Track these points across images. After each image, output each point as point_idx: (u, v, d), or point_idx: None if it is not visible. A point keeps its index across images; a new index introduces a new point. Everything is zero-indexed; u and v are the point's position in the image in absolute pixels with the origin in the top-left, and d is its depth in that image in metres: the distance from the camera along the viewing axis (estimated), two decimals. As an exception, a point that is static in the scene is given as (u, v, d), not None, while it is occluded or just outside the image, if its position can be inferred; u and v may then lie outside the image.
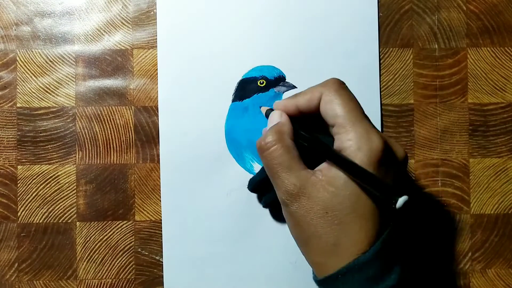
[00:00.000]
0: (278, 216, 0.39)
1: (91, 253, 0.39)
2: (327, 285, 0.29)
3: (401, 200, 0.27)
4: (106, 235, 0.39)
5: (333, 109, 0.30)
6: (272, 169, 0.30)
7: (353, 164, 0.28)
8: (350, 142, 0.28)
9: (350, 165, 0.28)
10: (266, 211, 0.39)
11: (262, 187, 0.36)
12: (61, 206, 0.39)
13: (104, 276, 0.39)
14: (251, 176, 0.39)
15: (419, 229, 0.39)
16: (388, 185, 0.28)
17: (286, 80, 0.39)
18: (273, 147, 0.30)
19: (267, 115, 0.34)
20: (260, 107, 0.36)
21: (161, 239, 0.39)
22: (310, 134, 0.31)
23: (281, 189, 0.30)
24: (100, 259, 0.39)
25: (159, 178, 0.39)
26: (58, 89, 0.39)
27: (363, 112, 0.30)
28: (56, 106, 0.39)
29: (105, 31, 0.40)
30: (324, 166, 0.29)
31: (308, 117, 0.32)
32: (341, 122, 0.29)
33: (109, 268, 0.39)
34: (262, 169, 0.36)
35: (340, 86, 0.31)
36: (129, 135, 0.39)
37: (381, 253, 0.28)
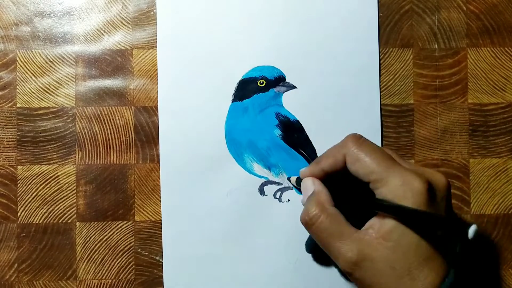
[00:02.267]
0: (321, 259, 0.39)
1: (91, 254, 0.39)
2: None
3: (472, 229, 0.27)
4: (106, 235, 0.39)
5: (363, 167, 0.30)
6: (324, 241, 0.30)
7: (411, 210, 0.27)
8: (392, 194, 0.28)
9: (406, 212, 0.28)
10: (266, 211, 0.39)
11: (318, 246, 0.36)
12: (61, 206, 0.39)
13: (104, 277, 0.39)
14: (252, 176, 0.39)
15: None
16: (450, 219, 0.28)
17: (286, 80, 0.39)
18: (319, 219, 0.30)
19: (297, 183, 0.34)
20: (288, 178, 0.37)
21: (161, 239, 0.39)
22: (351, 195, 0.31)
23: (339, 260, 0.29)
24: (100, 260, 0.39)
25: (159, 178, 0.39)
26: (58, 89, 0.39)
27: (392, 158, 0.30)
28: (56, 106, 0.39)
29: (105, 31, 0.40)
30: (373, 222, 0.29)
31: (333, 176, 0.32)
32: (376, 177, 0.29)
33: (109, 269, 0.39)
34: None
35: (360, 141, 0.31)
36: (129, 135, 0.39)
37: (455, 285, 0.28)
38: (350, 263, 0.29)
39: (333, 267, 0.39)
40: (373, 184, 0.29)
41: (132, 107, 0.39)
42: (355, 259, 0.29)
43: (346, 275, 0.33)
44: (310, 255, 0.39)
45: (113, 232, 0.39)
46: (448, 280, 0.28)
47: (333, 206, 0.31)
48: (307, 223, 0.31)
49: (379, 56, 0.40)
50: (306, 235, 0.39)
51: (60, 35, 0.40)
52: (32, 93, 0.39)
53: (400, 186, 0.28)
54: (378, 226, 0.29)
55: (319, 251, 0.38)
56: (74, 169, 0.39)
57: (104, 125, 0.39)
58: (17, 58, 0.39)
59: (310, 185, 0.32)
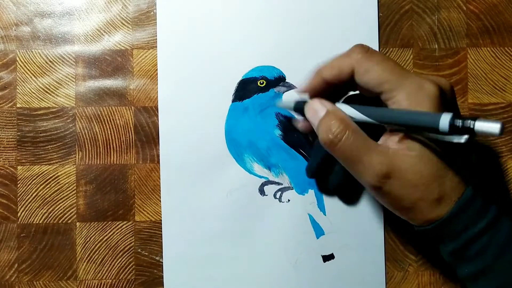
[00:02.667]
0: (347, 198, 0.39)
1: (91, 254, 0.39)
2: (439, 229, 0.29)
3: (497, 126, 0.25)
4: (106, 235, 0.39)
5: (375, 77, 0.29)
6: (352, 159, 0.29)
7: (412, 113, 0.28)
8: (408, 100, 0.28)
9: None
10: (266, 211, 0.39)
11: (321, 171, 0.35)
12: (61, 206, 0.39)
13: (104, 277, 0.39)
14: (252, 176, 0.39)
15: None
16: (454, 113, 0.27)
17: (286, 80, 0.39)
18: (344, 136, 0.29)
19: (297, 108, 0.32)
20: (278, 104, 0.36)
21: (161, 239, 0.39)
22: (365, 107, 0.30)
23: (368, 175, 0.29)
24: (100, 260, 0.39)
25: (159, 179, 0.39)
26: (58, 89, 0.39)
27: (401, 66, 0.30)
28: (56, 106, 0.39)
29: (105, 31, 0.40)
30: (390, 137, 0.29)
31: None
32: (390, 86, 0.29)
33: (109, 269, 0.39)
34: (315, 154, 0.36)
35: (370, 52, 0.30)
36: (129, 136, 0.39)
37: (478, 187, 0.29)
38: (380, 176, 0.28)
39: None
40: (387, 93, 0.29)
41: (132, 107, 0.39)
42: (385, 171, 0.28)
43: (342, 191, 0.33)
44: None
45: (113, 232, 0.39)
46: (472, 182, 0.29)
47: (353, 121, 0.30)
48: (332, 141, 0.29)
49: (379, 56, 0.40)
50: (306, 235, 0.39)
51: (60, 35, 0.40)
52: (32, 93, 0.39)
53: (415, 92, 0.28)
54: (397, 139, 0.29)
55: (321, 177, 0.38)
56: (74, 169, 0.39)
57: (104, 125, 0.39)
58: (17, 58, 0.39)
59: (320, 106, 0.31)
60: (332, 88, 0.32)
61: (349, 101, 0.32)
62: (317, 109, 0.31)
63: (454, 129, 0.26)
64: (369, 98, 0.31)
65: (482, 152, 0.40)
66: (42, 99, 0.39)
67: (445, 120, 0.26)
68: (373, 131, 0.30)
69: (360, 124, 0.30)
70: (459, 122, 0.26)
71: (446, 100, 0.29)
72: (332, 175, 0.37)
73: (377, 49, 0.40)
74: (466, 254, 0.29)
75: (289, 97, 0.35)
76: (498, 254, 0.29)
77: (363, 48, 0.30)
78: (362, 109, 0.30)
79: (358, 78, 0.30)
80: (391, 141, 0.29)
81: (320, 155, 0.35)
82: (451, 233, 0.29)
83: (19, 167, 0.39)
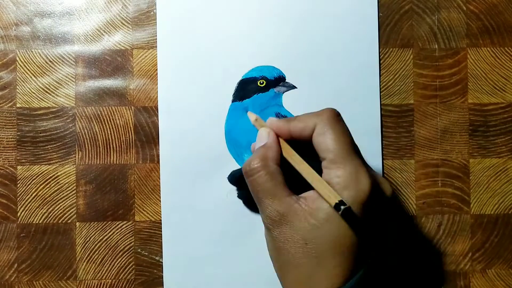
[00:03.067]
0: (252, 207, 0.39)
1: (91, 254, 0.39)
2: None
3: (333, 204, 0.27)
4: (106, 235, 0.39)
5: (326, 142, 0.29)
6: (257, 194, 0.30)
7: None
8: (338, 179, 0.28)
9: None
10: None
11: (242, 182, 0.36)
12: (61, 206, 0.39)
13: (104, 277, 0.39)
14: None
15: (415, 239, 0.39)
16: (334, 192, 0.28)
17: (286, 80, 0.39)
18: (257, 173, 0.30)
19: (256, 124, 0.33)
20: (247, 112, 0.35)
21: (161, 239, 0.39)
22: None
23: (264, 214, 0.30)
24: (100, 260, 0.39)
25: (159, 178, 0.39)
26: (58, 89, 0.39)
27: (356, 147, 0.30)
28: (56, 106, 0.39)
29: (105, 31, 0.40)
30: (309, 194, 0.29)
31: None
32: (332, 157, 0.29)
33: (109, 269, 0.39)
34: None
35: (335, 118, 0.30)
36: (129, 135, 0.39)
37: (363, 284, 0.28)
38: (271, 220, 0.29)
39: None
40: (326, 163, 0.29)
41: (132, 107, 0.39)
42: (277, 219, 0.29)
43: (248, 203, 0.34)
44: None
45: (113, 232, 0.39)
46: (354, 279, 0.28)
47: (277, 164, 0.30)
48: (247, 173, 0.30)
49: (379, 56, 0.40)
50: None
51: (60, 35, 0.40)
52: (32, 93, 0.39)
53: (347, 177, 0.28)
54: (311, 201, 0.29)
55: (250, 202, 0.39)
56: (74, 169, 0.39)
57: (104, 125, 0.39)
58: (17, 58, 0.39)
59: (265, 136, 0.32)
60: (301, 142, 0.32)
61: None
62: (261, 137, 0.32)
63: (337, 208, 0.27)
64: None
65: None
66: (42, 99, 0.39)
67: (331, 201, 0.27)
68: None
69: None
70: (341, 209, 0.27)
71: (375, 202, 0.29)
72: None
73: (377, 49, 0.40)
74: None
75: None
76: None
77: (332, 113, 0.30)
78: (297, 159, 0.31)
79: (313, 137, 0.30)
80: (306, 200, 0.29)
81: None
82: None
83: (19, 167, 0.39)
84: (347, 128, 0.30)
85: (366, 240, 0.28)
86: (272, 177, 0.30)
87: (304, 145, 0.31)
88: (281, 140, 0.32)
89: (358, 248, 0.28)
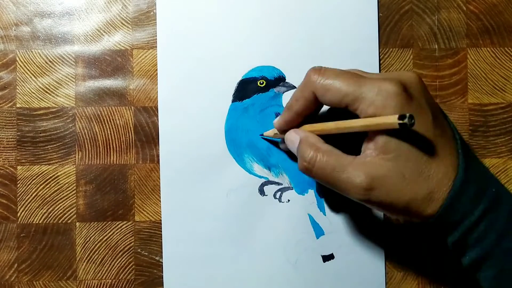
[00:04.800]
0: (333, 205, 0.39)
1: (91, 254, 0.39)
2: (439, 223, 0.29)
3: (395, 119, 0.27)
4: (106, 235, 0.39)
5: (334, 94, 0.29)
6: (329, 179, 0.30)
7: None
8: (372, 107, 0.28)
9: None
10: (266, 211, 0.39)
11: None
12: (60, 206, 0.39)
13: (104, 277, 0.39)
14: (252, 176, 0.39)
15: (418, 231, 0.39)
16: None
17: (286, 80, 0.39)
18: (316, 160, 0.30)
19: (277, 136, 0.34)
20: (261, 135, 0.38)
21: (161, 239, 0.39)
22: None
23: (351, 190, 0.29)
24: (100, 260, 0.39)
25: (159, 179, 0.39)
26: (57, 89, 0.39)
27: (358, 74, 0.30)
28: (56, 106, 0.39)
29: (105, 32, 0.40)
30: (366, 145, 0.29)
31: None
32: (351, 97, 0.29)
33: (109, 269, 0.39)
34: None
35: (321, 71, 0.30)
36: (129, 136, 0.39)
37: (468, 168, 0.29)
38: (362, 189, 0.29)
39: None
40: (351, 106, 0.29)
41: (132, 107, 0.39)
42: (365, 183, 0.28)
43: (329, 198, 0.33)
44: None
45: (113, 232, 0.39)
46: (460, 166, 0.28)
47: (324, 143, 0.31)
48: (307, 168, 0.30)
49: (379, 56, 0.40)
50: (305, 235, 0.39)
51: (60, 35, 0.40)
52: (32, 93, 0.39)
53: (376, 96, 0.28)
54: (373, 145, 0.29)
55: (330, 195, 0.39)
56: (74, 169, 0.39)
57: (104, 125, 0.39)
58: (17, 58, 0.39)
59: (294, 135, 0.32)
60: (309, 117, 0.33)
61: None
62: (293, 140, 0.32)
63: (404, 127, 0.26)
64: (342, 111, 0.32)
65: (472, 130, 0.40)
66: (42, 99, 0.39)
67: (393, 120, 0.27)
68: (354, 139, 0.31)
69: (340, 137, 0.31)
70: (406, 119, 0.26)
71: (411, 94, 0.29)
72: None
73: (377, 49, 0.40)
74: (467, 242, 0.29)
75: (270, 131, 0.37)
76: (496, 240, 0.29)
77: (316, 70, 0.31)
78: (326, 125, 0.31)
79: (320, 99, 0.30)
80: (369, 148, 0.29)
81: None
82: (450, 224, 0.29)
83: (19, 167, 0.39)
84: (337, 69, 0.30)
85: (439, 127, 0.28)
86: (330, 153, 0.30)
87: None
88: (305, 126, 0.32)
89: (441, 139, 0.29)
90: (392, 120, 0.27)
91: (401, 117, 0.26)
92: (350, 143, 0.31)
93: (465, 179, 0.28)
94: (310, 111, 0.32)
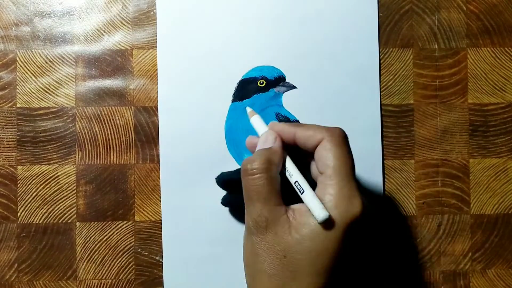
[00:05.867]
0: (238, 215, 0.39)
1: (91, 254, 0.39)
2: None
3: (320, 218, 0.27)
4: (106, 235, 0.39)
5: (328, 158, 0.29)
6: (250, 195, 0.30)
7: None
8: (331, 197, 0.28)
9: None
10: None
11: (234, 186, 0.36)
12: (61, 206, 0.39)
13: (104, 277, 0.39)
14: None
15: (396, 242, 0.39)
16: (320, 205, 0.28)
17: (286, 80, 0.39)
18: (258, 175, 0.29)
19: (256, 127, 0.33)
20: (246, 108, 0.35)
21: (161, 239, 0.39)
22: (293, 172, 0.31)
23: (251, 217, 0.29)
24: (100, 260, 0.39)
25: (159, 178, 0.39)
26: (58, 89, 0.39)
27: (354, 173, 0.30)
28: (56, 106, 0.39)
29: (105, 31, 0.40)
30: (298, 207, 0.29)
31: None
32: (330, 174, 0.29)
33: (109, 269, 0.39)
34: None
35: (343, 139, 0.30)
36: (129, 136, 0.39)
37: None
38: (257, 225, 0.29)
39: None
40: (323, 177, 0.29)
41: (132, 107, 0.39)
42: (264, 226, 0.29)
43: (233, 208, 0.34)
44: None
45: (113, 232, 0.39)
46: None
47: (278, 171, 0.30)
48: (246, 171, 0.30)
49: (379, 56, 0.40)
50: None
51: (60, 35, 0.40)
52: (32, 93, 0.39)
53: (341, 197, 0.28)
54: (299, 214, 0.29)
55: (235, 206, 0.38)
56: (74, 169, 0.39)
57: (104, 125, 0.39)
58: (17, 58, 0.39)
59: (272, 140, 0.32)
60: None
61: None
62: (266, 140, 0.32)
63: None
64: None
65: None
66: (42, 99, 0.39)
67: (321, 214, 0.28)
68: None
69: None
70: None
71: (362, 225, 0.29)
72: (235, 195, 0.38)
73: (377, 49, 0.40)
74: None
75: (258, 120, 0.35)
76: None
77: (342, 133, 0.31)
78: (294, 169, 0.31)
79: (317, 150, 0.30)
80: (297, 212, 0.29)
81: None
82: None
83: (19, 167, 0.39)
84: (351, 153, 0.30)
85: (345, 263, 0.28)
86: (271, 182, 0.30)
87: (298, 155, 0.32)
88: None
89: (336, 270, 0.28)
90: (320, 213, 0.28)
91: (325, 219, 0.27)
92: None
93: None
94: (301, 146, 0.32)
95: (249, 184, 0.30)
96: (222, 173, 0.38)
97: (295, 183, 0.30)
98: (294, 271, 0.28)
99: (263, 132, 0.33)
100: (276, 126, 0.32)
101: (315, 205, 0.28)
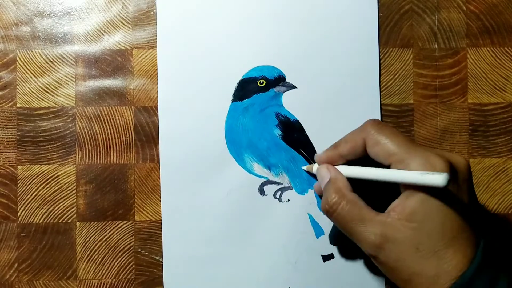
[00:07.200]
0: (346, 253, 0.39)
1: (91, 253, 0.39)
2: None
3: (441, 177, 0.26)
4: (106, 235, 0.39)
5: (384, 149, 0.30)
6: (347, 227, 0.30)
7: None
8: (424, 160, 0.28)
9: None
10: (266, 211, 0.39)
11: (341, 235, 0.35)
12: (61, 206, 0.39)
13: (104, 276, 0.39)
14: (252, 176, 0.39)
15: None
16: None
17: (286, 80, 0.39)
18: (339, 206, 0.30)
19: (310, 169, 0.34)
20: (302, 168, 0.38)
21: (161, 239, 0.39)
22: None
23: (363, 244, 0.29)
24: (100, 259, 0.39)
25: (159, 178, 0.39)
26: (58, 89, 0.39)
27: (412, 140, 0.30)
28: (56, 106, 0.39)
29: (105, 31, 0.40)
30: (395, 204, 0.29)
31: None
32: (398, 158, 0.29)
33: (109, 268, 0.39)
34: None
35: (380, 125, 0.31)
36: (129, 135, 0.39)
37: (483, 265, 0.28)
38: (373, 246, 0.29)
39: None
40: (394, 166, 0.29)
41: (132, 107, 0.39)
42: (378, 242, 0.28)
43: (373, 264, 0.32)
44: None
45: (113, 232, 0.39)
46: (475, 261, 0.28)
47: (351, 191, 0.31)
48: (328, 211, 0.30)
49: (379, 56, 0.40)
50: (306, 235, 0.39)
51: (60, 35, 0.40)
52: (32, 93, 0.39)
53: (421, 167, 0.28)
54: (401, 208, 0.29)
55: (343, 243, 0.38)
56: (74, 169, 0.39)
57: (104, 125, 0.39)
58: (17, 58, 0.39)
59: (326, 172, 0.32)
60: (348, 163, 0.33)
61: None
62: (323, 176, 0.33)
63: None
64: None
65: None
66: (42, 99, 0.39)
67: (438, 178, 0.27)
68: (382, 193, 0.31)
69: (369, 186, 0.31)
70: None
71: (457, 179, 0.29)
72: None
73: (377, 49, 0.40)
74: None
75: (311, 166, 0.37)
76: None
77: (375, 122, 0.31)
78: (363, 169, 0.31)
79: (368, 150, 0.31)
80: (395, 210, 0.29)
81: None
82: None
83: (19, 167, 0.39)
84: (395, 128, 0.31)
85: (469, 218, 0.28)
86: (353, 203, 0.30)
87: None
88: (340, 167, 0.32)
89: (469, 226, 0.28)
90: (436, 178, 0.26)
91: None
92: (377, 195, 0.31)
93: (475, 274, 0.27)
94: (353, 158, 0.32)
95: (339, 219, 0.30)
96: (329, 234, 0.38)
97: (382, 183, 0.30)
98: (434, 253, 0.28)
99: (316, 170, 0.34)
100: (322, 156, 0.33)
101: (425, 175, 0.27)
